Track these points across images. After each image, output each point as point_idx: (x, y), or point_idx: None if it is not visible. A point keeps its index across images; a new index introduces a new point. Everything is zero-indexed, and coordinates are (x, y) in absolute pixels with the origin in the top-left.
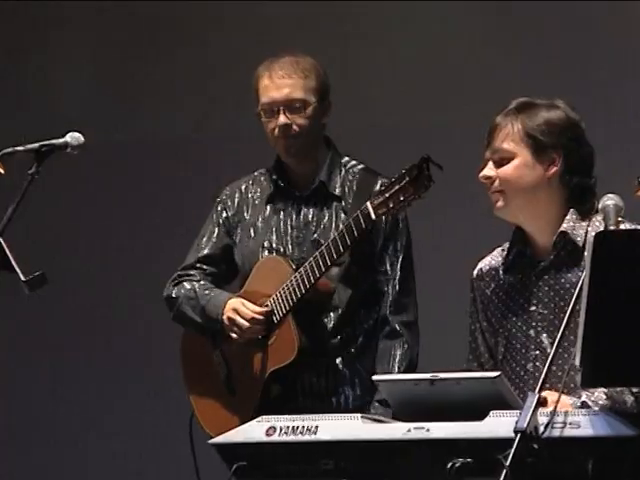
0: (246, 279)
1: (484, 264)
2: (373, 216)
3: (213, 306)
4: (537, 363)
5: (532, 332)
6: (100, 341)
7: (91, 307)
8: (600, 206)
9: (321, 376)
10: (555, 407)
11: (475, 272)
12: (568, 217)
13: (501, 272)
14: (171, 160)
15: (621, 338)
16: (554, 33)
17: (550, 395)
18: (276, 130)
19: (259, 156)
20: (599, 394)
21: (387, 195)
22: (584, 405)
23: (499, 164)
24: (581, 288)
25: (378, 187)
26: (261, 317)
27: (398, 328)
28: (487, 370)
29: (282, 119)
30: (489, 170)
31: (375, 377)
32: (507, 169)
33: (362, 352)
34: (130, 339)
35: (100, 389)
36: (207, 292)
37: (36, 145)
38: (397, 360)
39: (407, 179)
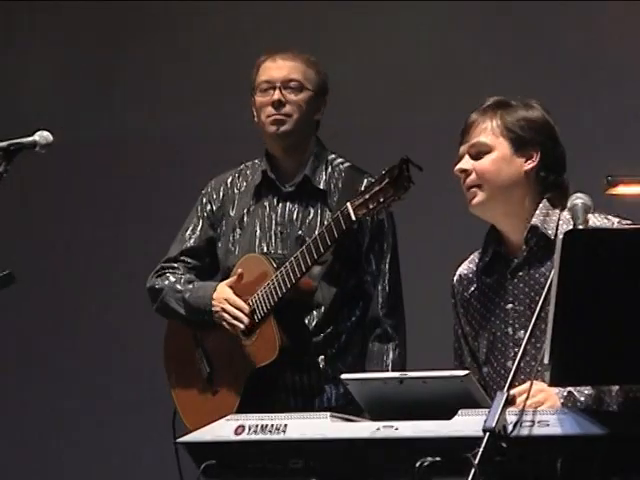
0: (227, 273)
1: (462, 269)
2: (353, 217)
3: (199, 297)
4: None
5: (510, 330)
6: (75, 339)
7: (59, 305)
8: (569, 205)
9: (303, 374)
10: (526, 401)
11: (455, 278)
12: (538, 211)
13: (478, 274)
14: (140, 159)
15: (590, 336)
16: (547, 33)
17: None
18: (268, 108)
19: (228, 156)
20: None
21: (367, 196)
22: (570, 394)
23: (476, 158)
24: (550, 287)
25: (365, 185)
26: (245, 314)
27: (390, 331)
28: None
29: (277, 94)
30: (465, 163)
31: (344, 376)
32: (484, 162)
33: (344, 350)
34: (107, 337)
35: (80, 386)
36: (191, 285)
37: (4, 144)
38: (390, 365)
39: (387, 180)
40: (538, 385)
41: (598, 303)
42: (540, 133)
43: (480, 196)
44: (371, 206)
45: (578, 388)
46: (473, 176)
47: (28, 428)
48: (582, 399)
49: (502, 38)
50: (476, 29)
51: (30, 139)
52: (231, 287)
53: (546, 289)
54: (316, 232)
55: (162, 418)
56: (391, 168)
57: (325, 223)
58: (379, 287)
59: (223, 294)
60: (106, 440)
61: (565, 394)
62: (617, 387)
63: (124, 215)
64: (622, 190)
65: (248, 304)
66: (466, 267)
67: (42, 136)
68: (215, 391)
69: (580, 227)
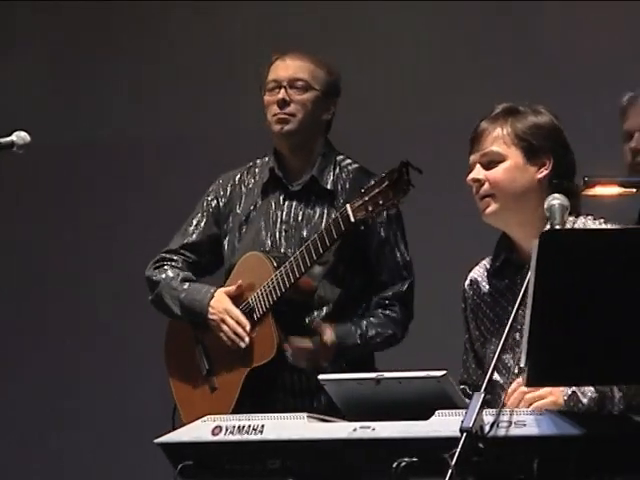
0: (230, 271)
1: (474, 273)
2: (352, 219)
3: (195, 300)
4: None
5: (517, 335)
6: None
7: (37, 306)
8: (545, 206)
9: (302, 374)
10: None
11: (466, 282)
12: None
13: (489, 279)
14: (120, 161)
15: (566, 338)
16: (547, 33)
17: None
18: (274, 107)
19: (213, 160)
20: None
21: (366, 198)
22: (573, 394)
23: (487, 167)
24: (527, 288)
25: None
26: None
27: (397, 307)
28: (474, 381)
29: (282, 94)
30: (478, 173)
31: (320, 376)
32: (497, 171)
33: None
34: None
35: (82, 380)
36: (186, 285)
37: None
38: (375, 322)
39: (386, 183)
40: (543, 391)
41: (575, 304)
42: (551, 139)
43: (493, 206)
44: (370, 208)
45: (582, 389)
46: (486, 186)
47: (26, 427)
48: (584, 401)
49: (502, 38)
50: (475, 29)
51: (8, 139)
52: (229, 296)
53: (523, 290)
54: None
55: (163, 413)
56: (390, 171)
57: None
58: (395, 285)
59: (222, 303)
60: (105, 437)
61: (569, 393)
62: (620, 393)
63: (114, 216)
64: (599, 191)
65: (248, 302)
66: (477, 272)
67: (19, 136)
68: (213, 388)
69: (557, 227)
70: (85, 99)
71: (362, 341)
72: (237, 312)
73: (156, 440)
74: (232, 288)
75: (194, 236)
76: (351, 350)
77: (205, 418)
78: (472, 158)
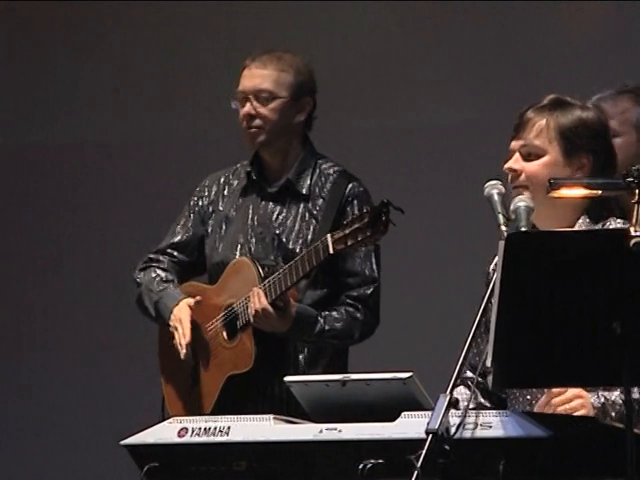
0: (212, 270)
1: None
2: (331, 250)
3: (165, 306)
4: None
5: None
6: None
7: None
8: (511, 208)
9: (280, 380)
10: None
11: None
12: (580, 221)
13: None
14: (82, 164)
15: (532, 339)
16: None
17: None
18: (243, 119)
19: (172, 161)
20: (616, 398)
21: (347, 232)
22: (603, 406)
23: (526, 159)
24: (493, 289)
25: (348, 191)
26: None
27: (361, 308)
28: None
29: (247, 107)
30: (516, 163)
31: (286, 378)
32: (535, 165)
33: (317, 355)
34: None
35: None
36: (164, 287)
37: None
38: (336, 316)
39: (366, 220)
40: (576, 390)
41: (540, 305)
42: (594, 140)
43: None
44: (349, 242)
45: (612, 400)
46: (522, 177)
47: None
48: (613, 414)
49: (488, 37)
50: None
51: None
52: (190, 307)
53: (489, 291)
54: (297, 242)
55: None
56: (371, 209)
57: (303, 227)
58: (362, 288)
59: (181, 313)
60: (73, 438)
61: (599, 406)
62: None
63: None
64: (564, 192)
65: (233, 308)
66: None
67: None
68: (196, 385)
69: (523, 229)
70: (42, 101)
71: (318, 329)
72: (187, 326)
73: (122, 442)
74: (192, 301)
75: (181, 236)
76: (305, 334)
77: (171, 420)
78: (513, 145)
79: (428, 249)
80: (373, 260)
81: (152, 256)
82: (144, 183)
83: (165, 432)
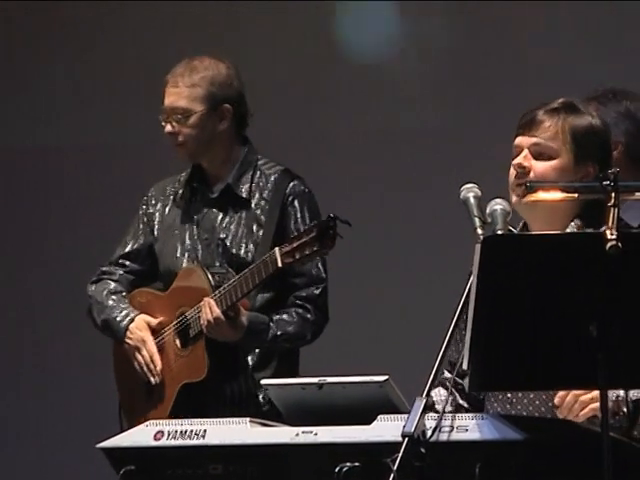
0: (163, 279)
1: None
2: (279, 264)
3: (115, 321)
4: None
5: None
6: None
7: None
8: (488, 211)
9: (234, 384)
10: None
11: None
12: (573, 224)
13: None
14: (37, 168)
15: (508, 342)
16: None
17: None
18: (169, 137)
19: (125, 167)
20: (631, 394)
21: (295, 245)
22: (617, 402)
23: (536, 157)
24: (469, 292)
25: (288, 191)
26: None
27: (311, 308)
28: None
29: (167, 128)
30: (526, 160)
31: (263, 381)
32: (546, 166)
33: (267, 357)
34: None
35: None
36: (112, 301)
37: None
38: (287, 320)
39: (314, 234)
40: (595, 393)
41: (516, 309)
42: (602, 148)
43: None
44: (298, 256)
45: (622, 397)
46: (531, 176)
47: None
48: (624, 410)
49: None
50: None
51: None
52: (149, 326)
53: (465, 294)
54: (241, 247)
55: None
56: (319, 223)
57: (246, 230)
58: (312, 288)
59: (141, 332)
60: (48, 441)
61: (614, 400)
62: None
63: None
64: (542, 196)
65: (185, 316)
66: None
67: None
68: (151, 394)
69: (499, 232)
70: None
71: (271, 335)
72: (153, 349)
73: (98, 445)
74: (154, 320)
75: (132, 245)
76: (258, 341)
77: (147, 423)
78: (521, 141)
79: (406, 251)
80: (321, 267)
81: (104, 268)
82: (124, 185)
83: (141, 435)
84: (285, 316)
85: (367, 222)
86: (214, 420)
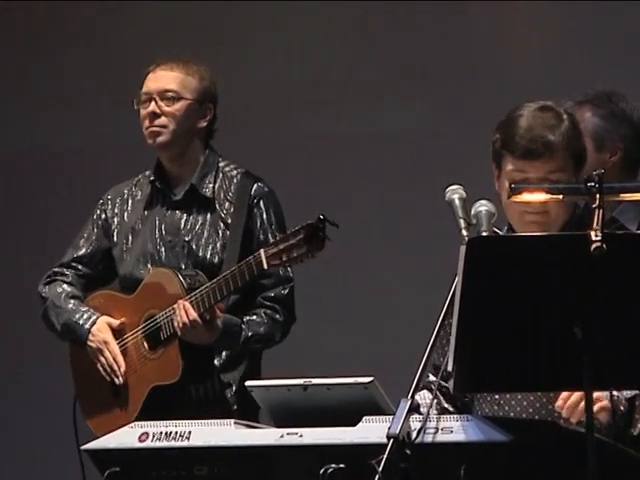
0: (123, 283)
1: None
2: (265, 266)
3: (77, 324)
4: None
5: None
6: None
7: None
8: (472, 212)
9: (205, 385)
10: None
11: None
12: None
13: None
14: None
15: (493, 344)
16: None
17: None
18: (146, 120)
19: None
20: (625, 393)
21: (281, 247)
22: (613, 402)
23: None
24: (454, 294)
25: (253, 192)
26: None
27: (279, 309)
28: None
29: (152, 106)
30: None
31: (248, 383)
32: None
33: (234, 358)
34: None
35: None
36: (71, 304)
37: None
38: (258, 321)
39: (301, 236)
40: (597, 394)
41: (501, 310)
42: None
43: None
44: (284, 258)
45: (617, 395)
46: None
47: None
48: (622, 409)
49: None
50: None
51: None
52: (111, 327)
53: (450, 296)
54: (207, 248)
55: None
56: (307, 225)
57: (211, 231)
58: (279, 287)
59: (103, 334)
60: (32, 442)
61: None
62: None
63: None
64: (526, 197)
65: (156, 319)
66: None
67: None
68: (117, 397)
69: (484, 234)
70: None
71: (243, 337)
72: (116, 350)
73: (83, 446)
74: (116, 322)
75: (85, 249)
76: (231, 343)
77: (132, 424)
78: (528, 169)
79: (391, 252)
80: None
81: (56, 270)
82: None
83: (126, 437)
84: (255, 317)
85: (353, 223)
86: (199, 422)
